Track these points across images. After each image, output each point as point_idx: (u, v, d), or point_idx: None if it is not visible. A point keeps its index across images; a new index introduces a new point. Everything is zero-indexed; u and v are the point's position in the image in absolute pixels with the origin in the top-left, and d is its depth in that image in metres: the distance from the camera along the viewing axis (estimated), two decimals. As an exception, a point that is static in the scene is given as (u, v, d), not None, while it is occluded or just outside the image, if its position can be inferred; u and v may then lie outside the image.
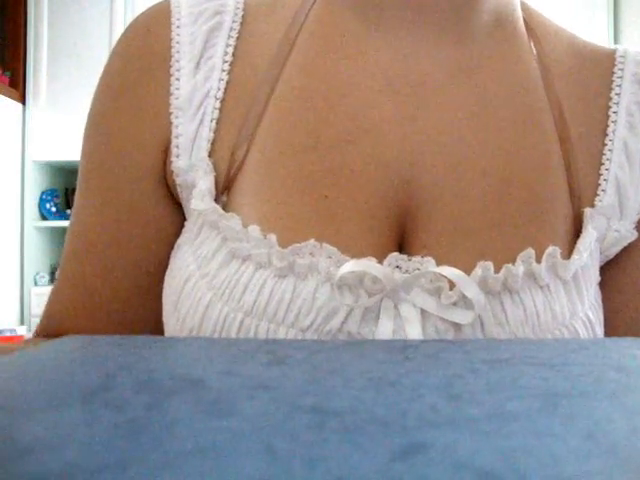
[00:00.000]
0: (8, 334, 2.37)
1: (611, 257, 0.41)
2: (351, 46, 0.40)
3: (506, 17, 0.41)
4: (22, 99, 2.77)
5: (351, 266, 0.33)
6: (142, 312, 0.41)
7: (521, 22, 0.42)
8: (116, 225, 0.41)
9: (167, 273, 0.40)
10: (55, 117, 2.69)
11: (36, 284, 2.77)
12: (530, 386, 0.18)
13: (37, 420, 0.14)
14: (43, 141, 2.73)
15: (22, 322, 2.69)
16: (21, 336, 2.38)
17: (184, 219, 0.41)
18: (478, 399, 0.16)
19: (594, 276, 0.39)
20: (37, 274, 2.79)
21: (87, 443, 0.13)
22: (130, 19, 2.54)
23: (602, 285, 0.41)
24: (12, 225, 2.71)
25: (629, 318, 0.41)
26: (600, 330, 0.38)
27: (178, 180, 0.40)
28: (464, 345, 0.26)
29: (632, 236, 0.40)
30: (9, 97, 2.70)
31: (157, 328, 0.41)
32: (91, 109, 0.43)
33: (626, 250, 0.41)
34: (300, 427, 0.14)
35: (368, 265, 0.33)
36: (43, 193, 2.83)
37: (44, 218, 2.81)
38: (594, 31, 2.49)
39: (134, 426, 0.14)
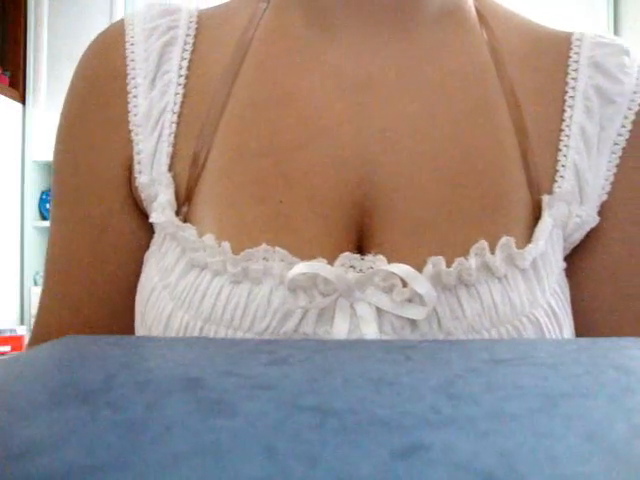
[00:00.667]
0: (8, 334, 2.37)
1: (577, 243, 0.40)
2: (300, 51, 0.40)
3: (455, 6, 0.42)
4: (22, 99, 2.77)
5: (301, 268, 0.33)
6: (127, 325, 0.42)
7: (472, 10, 0.42)
8: (90, 243, 0.42)
9: (138, 286, 0.41)
10: (55, 117, 2.68)
11: (36, 284, 2.77)
12: (530, 386, 0.18)
13: (37, 420, 0.14)
14: (43, 141, 2.73)
15: (22, 322, 2.69)
16: (21, 336, 2.38)
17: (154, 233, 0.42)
18: (478, 399, 0.16)
19: (556, 263, 0.38)
20: (37, 274, 2.79)
21: (87, 443, 0.13)
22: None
23: (573, 272, 0.40)
24: (12, 225, 2.71)
25: (604, 303, 0.40)
26: (564, 316, 0.38)
27: (143, 195, 0.41)
28: (464, 345, 0.26)
29: (594, 221, 0.40)
30: (9, 97, 2.70)
31: None
32: (58, 128, 0.45)
33: (593, 235, 0.40)
34: (300, 427, 0.14)
35: (318, 267, 0.33)
36: (43, 193, 2.83)
37: (44, 218, 2.81)
38: (594, 31, 2.49)
39: (134, 426, 0.14)
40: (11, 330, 2.42)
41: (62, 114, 0.44)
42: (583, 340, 0.27)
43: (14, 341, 2.31)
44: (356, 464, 0.12)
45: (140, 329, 0.39)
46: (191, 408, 0.15)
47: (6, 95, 2.67)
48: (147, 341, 0.28)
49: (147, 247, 0.41)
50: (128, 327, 0.42)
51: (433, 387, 0.18)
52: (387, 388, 0.18)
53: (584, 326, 0.40)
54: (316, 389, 0.18)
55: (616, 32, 2.55)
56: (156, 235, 0.40)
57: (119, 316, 0.42)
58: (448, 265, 0.34)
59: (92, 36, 0.46)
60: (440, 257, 0.34)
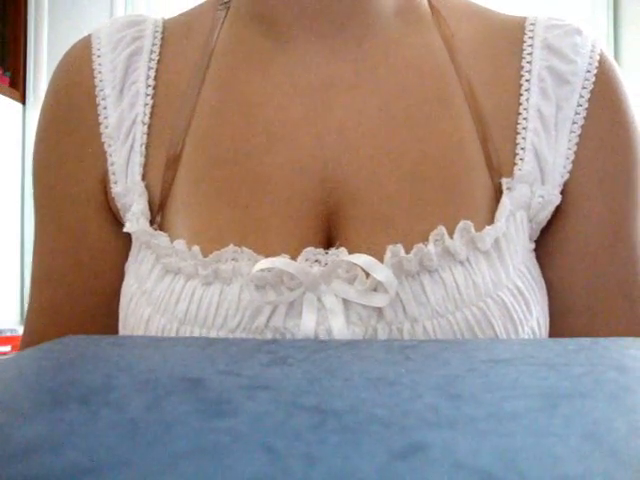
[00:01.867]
0: (8, 334, 2.37)
1: (544, 224, 0.41)
2: (259, 59, 0.41)
3: (407, 3, 0.42)
4: (22, 99, 2.77)
5: (263, 264, 0.34)
6: (107, 331, 0.43)
7: (425, 5, 0.43)
8: (69, 253, 0.43)
9: (120, 294, 0.42)
10: (55, 117, 2.68)
11: (29, 289, 2.76)
12: (530, 386, 0.18)
13: (37, 420, 0.14)
14: (43, 141, 2.73)
15: (22, 322, 2.68)
16: (21, 336, 2.37)
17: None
18: (478, 399, 0.16)
19: (520, 244, 0.39)
20: (37, 274, 2.78)
21: (87, 443, 0.13)
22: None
23: (544, 253, 0.41)
24: (12, 225, 2.71)
25: (577, 282, 0.41)
26: (532, 296, 0.38)
27: (119, 205, 0.42)
28: (464, 345, 0.26)
29: (557, 199, 0.40)
30: (9, 97, 2.70)
31: None
32: (35, 142, 0.46)
33: (559, 215, 0.41)
34: (300, 427, 0.14)
35: (281, 262, 0.35)
36: (43, 193, 2.82)
37: (44, 218, 2.81)
38: (594, 31, 2.49)
39: (134, 426, 0.14)
40: (11, 330, 2.41)
41: (37, 130, 0.46)
42: (583, 340, 0.27)
43: (14, 341, 2.31)
44: (356, 464, 0.12)
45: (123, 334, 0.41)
46: (191, 408, 0.15)
47: (6, 95, 2.67)
48: (147, 341, 0.28)
49: (125, 256, 0.42)
50: (107, 332, 0.43)
51: (433, 387, 0.18)
52: (387, 388, 0.18)
53: (561, 307, 0.41)
54: (316, 389, 0.18)
55: (616, 32, 2.55)
56: (132, 244, 0.41)
57: (98, 322, 0.43)
58: (408, 253, 0.35)
59: (93, 36, 0.46)
60: (399, 245, 0.35)
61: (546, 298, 0.40)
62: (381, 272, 0.34)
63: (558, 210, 0.41)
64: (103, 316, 0.43)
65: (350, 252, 0.36)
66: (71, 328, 0.43)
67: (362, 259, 0.34)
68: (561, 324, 0.41)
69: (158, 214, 0.40)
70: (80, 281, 0.43)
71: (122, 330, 0.40)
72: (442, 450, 0.12)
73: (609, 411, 0.15)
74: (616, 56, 2.39)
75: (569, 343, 0.27)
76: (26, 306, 0.49)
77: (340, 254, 0.36)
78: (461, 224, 0.36)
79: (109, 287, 0.43)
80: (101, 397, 0.16)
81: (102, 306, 0.43)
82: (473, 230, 0.36)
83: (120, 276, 0.42)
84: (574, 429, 0.14)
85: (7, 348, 2.27)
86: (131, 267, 0.41)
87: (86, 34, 0.46)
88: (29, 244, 2.76)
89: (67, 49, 0.46)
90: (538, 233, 0.41)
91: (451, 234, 0.36)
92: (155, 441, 0.13)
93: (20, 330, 2.45)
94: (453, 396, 0.17)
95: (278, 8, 0.41)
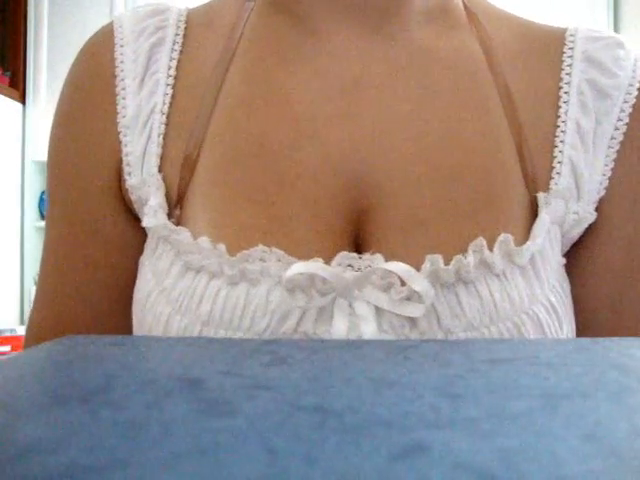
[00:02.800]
0: (8, 334, 2.37)
1: (575, 239, 0.40)
2: (287, 53, 0.40)
3: (443, 5, 0.42)
4: (22, 99, 2.77)
5: (298, 268, 0.33)
6: (119, 330, 0.42)
7: (461, 7, 0.42)
8: (81, 246, 0.42)
9: (134, 290, 0.40)
10: (55, 117, 2.68)
11: (36, 284, 2.76)
12: (530, 386, 0.18)
13: (37, 420, 0.14)
14: (43, 141, 2.73)
15: (22, 322, 2.68)
16: (21, 336, 2.38)
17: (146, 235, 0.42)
18: (478, 399, 0.16)
19: (554, 260, 0.38)
20: (37, 274, 2.79)
21: (87, 443, 0.13)
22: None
23: (572, 269, 0.40)
24: (12, 225, 2.71)
25: (603, 301, 0.40)
26: (564, 313, 0.37)
27: (133, 197, 0.41)
28: (464, 345, 0.26)
29: (591, 217, 0.39)
30: (9, 97, 2.70)
31: None
32: (50, 132, 0.45)
33: (590, 232, 0.40)
34: (300, 427, 0.14)
35: (316, 266, 0.33)
36: (43, 193, 2.83)
37: (44, 218, 2.81)
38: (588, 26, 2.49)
39: (134, 426, 0.14)
40: (11, 330, 2.42)
41: (54, 119, 0.45)
42: (583, 340, 0.27)
43: (14, 341, 2.31)
44: (356, 464, 0.12)
45: (139, 333, 0.39)
46: (191, 408, 0.15)
47: (6, 95, 2.67)
48: (147, 341, 0.28)
49: (139, 249, 0.41)
50: (112, 331, 0.42)
51: (433, 387, 0.18)
52: (387, 388, 0.18)
53: (585, 323, 0.40)
54: (316, 389, 0.18)
55: (616, 32, 2.55)
56: (149, 239, 0.40)
57: (105, 319, 0.42)
58: (446, 263, 0.34)
59: (92, 36, 0.46)
60: (438, 255, 0.34)
61: (573, 313, 0.39)
62: (419, 282, 0.33)
63: (589, 227, 0.40)
64: (108, 313, 0.42)
65: (386, 258, 0.35)
66: (72, 324, 0.42)
67: (400, 267, 0.33)
68: None
69: (176, 208, 0.39)
70: (91, 276, 0.42)
71: (138, 327, 0.39)
72: (442, 450, 0.12)
73: (610, 411, 0.15)
74: (616, 56, 2.38)
75: (569, 343, 0.27)
76: (26, 306, 0.49)
77: (375, 260, 0.35)
78: (502, 237, 0.35)
79: (120, 282, 0.42)
80: (101, 397, 0.16)
81: (109, 302, 0.42)
82: (512, 244, 0.35)
83: (133, 269, 0.41)
84: (575, 429, 0.14)
85: (7, 348, 2.27)
86: (147, 262, 0.39)
87: (86, 34, 0.45)
88: (29, 244, 2.76)
89: (85, 40, 0.45)
90: (568, 248, 0.40)
91: (489, 246, 0.35)
92: (155, 441, 0.13)
93: (20, 330, 2.45)
94: (453, 396, 0.17)
95: (311, 1, 0.40)
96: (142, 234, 0.41)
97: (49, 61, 2.77)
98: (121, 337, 0.28)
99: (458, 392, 0.17)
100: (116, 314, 0.42)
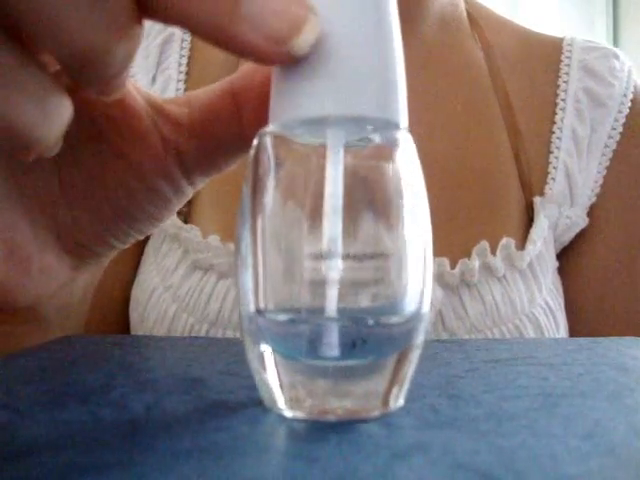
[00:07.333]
0: (8, 334, 2.36)
1: (566, 243, 0.41)
2: None
3: (451, 11, 0.42)
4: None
5: None
6: (118, 325, 0.42)
7: (464, 15, 0.43)
8: None
9: (134, 285, 0.40)
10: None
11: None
12: (530, 386, 0.18)
13: (37, 420, 0.14)
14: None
15: (22, 322, 2.68)
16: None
17: None
18: (478, 399, 0.16)
19: (550, 263, 0.39)
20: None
21: (87, 443, 0.13)
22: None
23: (562, 271, 0.41)
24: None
25: (589, 303, 0.41)
26: (560, 314, 0.38)
27: None
28: (464, 345, 0.26)
29: (583, 222, 0.40)
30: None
31: None
32: None
33: (580, 237, 0.41)
34: (300, 427, 0.14)
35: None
36: (43, 193, 2.82)
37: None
38: (593, 33, 2.49)
39: (134, 426, 0.14)
40: (11, 330, 2.41)
41: None
42: (583, 340, 0.27)
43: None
44: (356, 464, 0.12)
45: (139, 330, 0.39)
46: (191, 408, 0.15)
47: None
48: (147, 341, 0.28)
49: (138, 247, 0.41)
50: (118, 327, 0.42)
51: (433, 387, 0.18)
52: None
53: (572, 324, 0.41)
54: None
55: (616, 33, 2.55)
56: (155, 234, 0.40)
57: (109, 315, 0.41)
58: (451, 266, 0.35)
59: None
60: (444, 258, 0.35)
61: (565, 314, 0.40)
62: None
63: (579, 231, 0.41)
64: (114, 308, 0.41)
65: None
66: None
67: None
68: None
69: (185, 205, 0.38)
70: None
71: (138, 322, 0.39)
72: (442, 450, 0.12)
73: (609, 411, 0.15)
74: (616, 56, 2.38)
75: (569, 343, 0.27)
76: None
77: None
78: (504, 241, 0.36)
79: (125, 278, 0.41)
80: (101, 397, 0.16)
81: (115, 298, 0.41)
82: (514, 248, 0.36)
83: (134, 266, 0.40)
84: (573, 429, 0.14)
85: (7, 348, 2.26)
86: (151, 259, 0.39)
87: None
88: (29, 244, 2.75)
89: None
90: (558, 251, 0.41)
91: (491, 249, 0.36)
92: (155, 441, 0.13)
93: (20, 330, 2.44)
94: (453, 396, 0.17)
95: None
96: None
97: (49, 61, 2.76)
98: (121, 337, 0.28)
99: (458, 392, 0.17)
100: (116, 306, 0.41)
